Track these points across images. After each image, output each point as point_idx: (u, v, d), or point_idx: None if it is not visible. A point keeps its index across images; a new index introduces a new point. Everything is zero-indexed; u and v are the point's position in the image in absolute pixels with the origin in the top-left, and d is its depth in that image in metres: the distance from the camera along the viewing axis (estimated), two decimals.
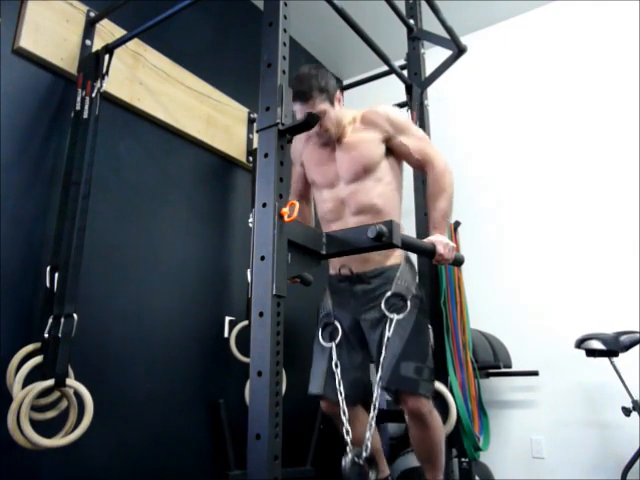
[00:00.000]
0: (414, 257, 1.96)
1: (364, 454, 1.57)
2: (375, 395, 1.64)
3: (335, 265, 1.85)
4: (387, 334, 1.68)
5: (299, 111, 1.76)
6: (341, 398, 1.69)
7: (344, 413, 1.67)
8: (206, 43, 2.78)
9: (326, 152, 1.87)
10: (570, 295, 2.79)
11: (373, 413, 1.62)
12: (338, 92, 1.84)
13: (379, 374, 1.66)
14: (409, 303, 1.72)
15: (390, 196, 1.82)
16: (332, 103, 1.79)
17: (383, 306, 1.72)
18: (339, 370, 1.72)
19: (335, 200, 1.83)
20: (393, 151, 1.85)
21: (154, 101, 2.39)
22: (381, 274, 1.78)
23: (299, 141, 1.96)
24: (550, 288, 2.86)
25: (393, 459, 2.53)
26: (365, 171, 1.78)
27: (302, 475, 2.59)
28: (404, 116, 1.84)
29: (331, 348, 1.77)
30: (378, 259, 1.78)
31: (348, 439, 1.62)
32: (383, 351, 1.67)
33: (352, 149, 1.81)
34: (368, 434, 1.59)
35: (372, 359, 1.80)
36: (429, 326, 1.83)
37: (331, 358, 1.75)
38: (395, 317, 1.69)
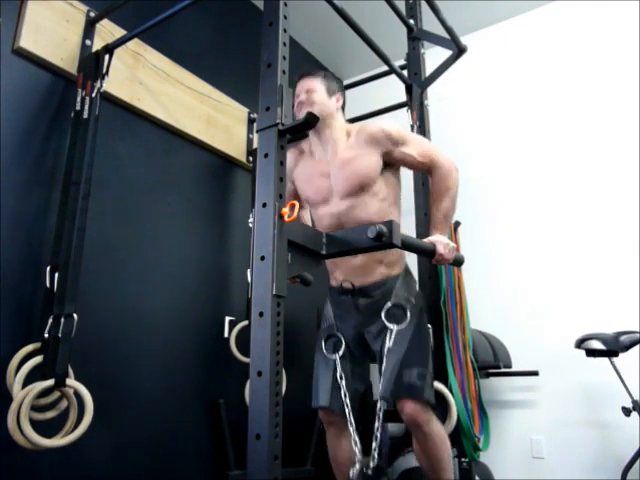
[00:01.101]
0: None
1: (372, 464, 1.57)
2: (379, 406, 1.64)
3: (337, 277, 1.85)
4: (387, 345, 1.67)
5: (298, 86, 1.83)
6: (348, 410, 1.68)
7: (351, 424, 1.66)
8: (206, 43, 2.78)
9: (319, 167, 1.83)
10: (570, 295, 2.79)
11: (378, 423, 1.61)
12: (339, 93, 1.88)
13: (380, 385, 1.65)
14: (408, 313, 1.71)
15: (387, 212, 1.78)
16: (329, 95, 1.85)
17: (383, 317, 1.72)
18: (344, 382, 1.72)
19: (331, 216, 1.80)
20: (395, 163, 1.82)
21: (154, 101, 2.39)
22: (382, 286, 1.77)
23: (290, 158, 1.89)
24: (550, 288, 2.86)
25: (393, 459, 2.52)
26: (361, 187, 1.74)
27: (302, 475, 2.59)
28: (399, 127, 1.81)
29: (335, 360, 1.76)
30: (379, 272, 1.78)
31: (357, 450, 1.62)
32: (384, 361, 1.67)
33: (347, 165, 1.77)
34: (374, 444, 1.59)
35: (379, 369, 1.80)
36: (430, 333, 1.82)
37: (335, 370, 1.75)
38: (395, 328, 1.69)
